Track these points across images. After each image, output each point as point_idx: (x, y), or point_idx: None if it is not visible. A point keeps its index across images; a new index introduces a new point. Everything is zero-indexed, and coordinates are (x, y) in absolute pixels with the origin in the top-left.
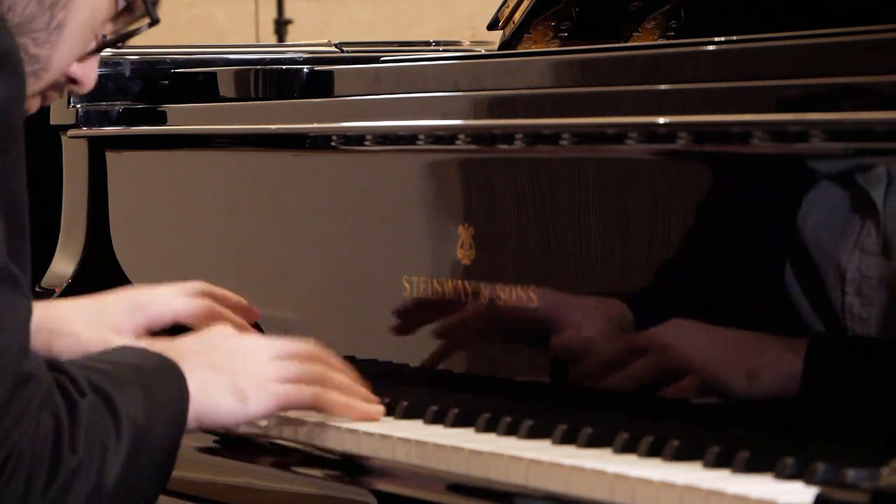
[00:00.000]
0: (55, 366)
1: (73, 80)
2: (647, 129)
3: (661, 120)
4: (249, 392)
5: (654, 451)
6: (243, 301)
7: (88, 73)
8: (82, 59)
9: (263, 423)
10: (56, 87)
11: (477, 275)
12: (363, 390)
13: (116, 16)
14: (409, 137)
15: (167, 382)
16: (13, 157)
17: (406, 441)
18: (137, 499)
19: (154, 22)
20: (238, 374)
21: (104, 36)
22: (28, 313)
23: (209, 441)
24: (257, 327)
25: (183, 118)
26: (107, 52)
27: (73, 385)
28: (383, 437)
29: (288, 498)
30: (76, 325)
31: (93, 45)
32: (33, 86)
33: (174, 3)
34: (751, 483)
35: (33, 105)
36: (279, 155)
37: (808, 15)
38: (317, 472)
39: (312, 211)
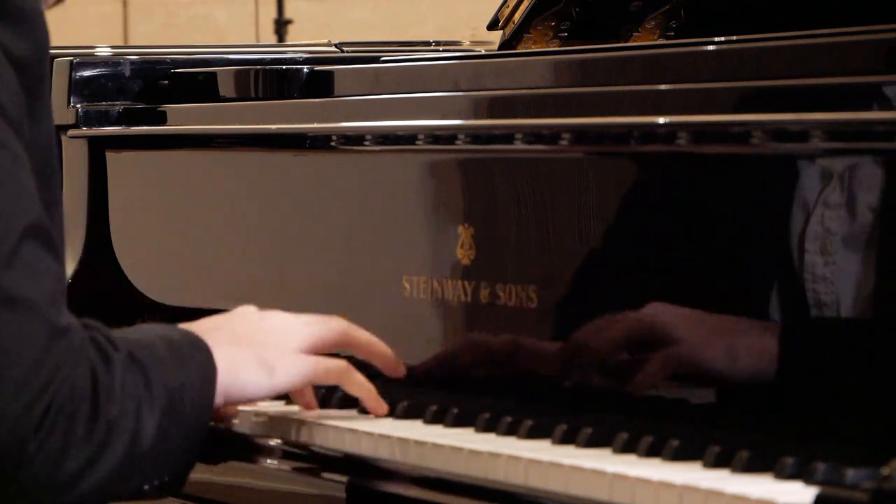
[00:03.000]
0: (88, 323)
1: None
2: (647, 129)
3: (661, 120)
4: (275, 363)
5: (653, 451)
6: (384, 349)
7: None
8: None
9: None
10: None
11: (477, 275)
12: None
13: None
14: (408, 137)
15: (195, 354)
16: (39, 111)
17: (405, 441)
18: (170, 467)
19: None
20: (263, 346)
21: None
22: (60, 269)
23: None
24: None
25: (183, 118)
26: (107, 51)
27: (107, 340)
28: (383, 436)
29: (287, 498)
30: None
31: None
32: None
33: (174, 3)
34: (750, 483)
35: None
36: (279, 155)
37: (808, 15)
38: (317, 472)
39: (312, 211)
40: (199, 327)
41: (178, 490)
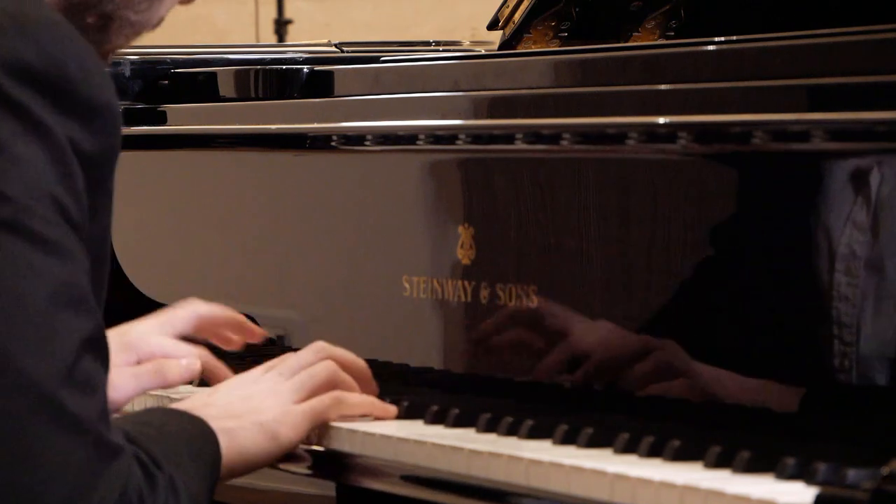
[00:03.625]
0: (130, 436)
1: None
2: (647, 129)
3: (661, 120)
4: (277, 426)
5: (654, 452)
6: (239, 318)
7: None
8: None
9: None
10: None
11: (477, 275)
12: (369, 392)
13: None
14: (409, 137)
15: (208, 446)
16: (103, 207)
17: (406, 441)
18: None
19: None
20: (260, 412)
21: None
22: (106, 381)
23: None
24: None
25: (183, 118)
26: None
27: (150, 459)
28: (383, 437)
29: (288, 498)
30: None
31: None
32: (125, 42)
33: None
34: (751, 483)
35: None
36: (279, 155)
37: (808, 15)
38: (317, 473)
39: (312, 211)
40: (192, 405)
41: None
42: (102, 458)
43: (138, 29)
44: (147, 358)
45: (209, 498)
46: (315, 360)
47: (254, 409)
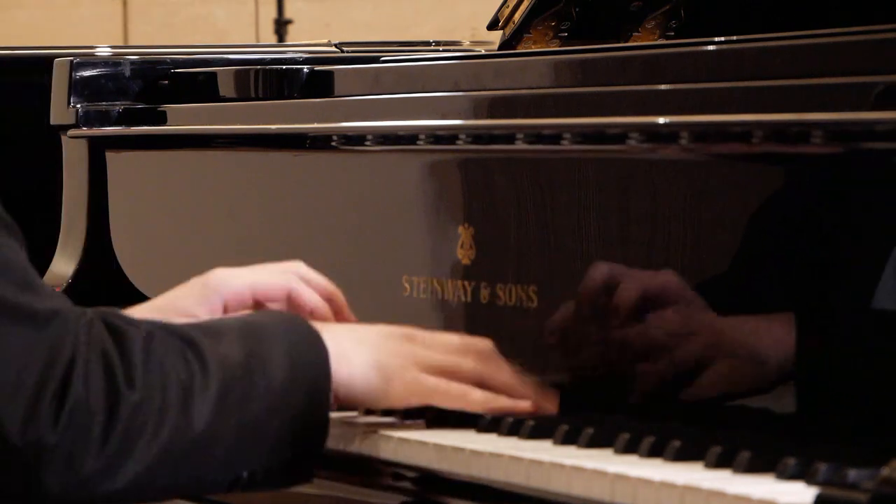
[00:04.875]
0: (102, 310)
1: None
2: (647, 129)
3: (661, 120)
4: (393, 372)
5: (655, 452)
6: (337, 293)
7: None
8: None
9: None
10: None
11: (477, 275)
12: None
13: None
14: (409, 137)
15: (289, 332)
16: None
17: (406, 441)
18: (272, 454)
19: None
20: (383, 351)
21: None
22: (23, 254)
23: None
24: None
25: (183, 118)
26: (107, 51)
27: (123, 320)
28: (383, 437)
29: (287, 498)
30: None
31: None
32: None
33: (174, 3)
34: (752, 483)
35: None
36: (279, 155)
37: (808, 15)
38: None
39: (312, 211)
40: (318, 323)
41: (298, 479)
42: (35, 325)
43: None
44: (235, 296)
45: (304, 387)
46: (466, 352)
47: (380, 346)
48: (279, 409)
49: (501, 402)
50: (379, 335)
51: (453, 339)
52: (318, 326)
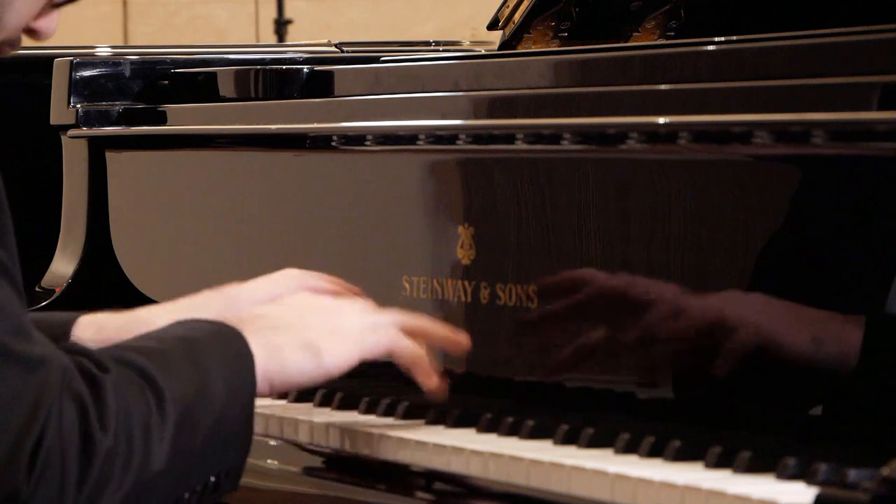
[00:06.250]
0: (73, 348)
1: (32, 31)
2: (647, 129)
3: (661, 120)
4: (323, 345)
5: (655, 452)
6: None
7: (49, 25)
8: (41, 14)
9: None
10: (11, 43)
11: (477, 275)
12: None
13: None
14: (409, 137)
15: (223, 348)
16: None
17: (406, 441)
18: (209, 472)
19: None
20: (310, 328)
21: None
22: (20, 298)
23: None
24: None
25: (183, 118)
26: (107, 51)
27: (93, 363)
28: (383, 437)
29: (287, 498)
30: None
31: None
32: None
33: (174, 3)
34: (752, 483)
35: None
36: (279, 155)
37: (808, 15)
38: (315, 473)
39: (312, 211)
40: (240, 316)
41: (232, 485)
42: (23, 371)
43: None
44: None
45: (238, 397)
46: (385, 340)
47: (306, 324)
48: (218, 431)
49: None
50: (303, 313)
51: (368, 302)
52: (243, 325)
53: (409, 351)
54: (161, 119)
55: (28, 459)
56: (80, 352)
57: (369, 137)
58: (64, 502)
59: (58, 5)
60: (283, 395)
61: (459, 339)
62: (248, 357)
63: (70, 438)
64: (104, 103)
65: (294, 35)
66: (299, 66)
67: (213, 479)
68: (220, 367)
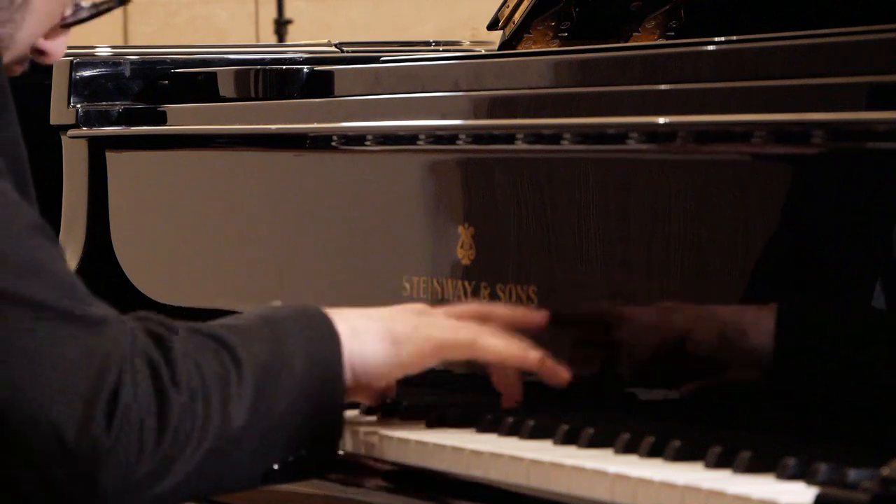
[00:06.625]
0: (140, 315)
1: (40, 52)
2: (647, 129)
3: (661, 120)
4: (403, 336)
5: (655, 452)
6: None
7: (57, 47)
8: (50, 34)
9: None
10: (21, 61)
11: (477, 275)
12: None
13: None
14: (409, 137)
15: (307, 324)
16: (6, 119)
17: (406, 441)
18: (297, 444)
19: (124, 1)
20: (391, 321)
21: (75, 7)
22: (66, 260)
23: None
24: None
25: (183, 118)
26: (107, 51)
27: (161, 325)
28: (383, 437)
29: (287, 498)
30: None
31: (62, 18)
32: None
33: (174, 3)
34: (752, 483)
35: None
36: (279, 155)
37: (807, 15)
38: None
39: (312, 211)
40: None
41: (320, 471)
42: (87, 331)
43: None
44: None
45: (320, 375)
46: (468, 313)
47: (390, 317)
48: (301, 402)
49: (513, 349)
50: (389, 311)
51: (456, 307)
52: (331, 312)
53: (490, 348)
54: (161, 119)
55: (105, 415)
56: (146, 317)
57: (369, 137)
58: (143, 458)
59: (67, 26)
60: None
61: (536, 317)
62: (333, 336)
63: (145, 394)
64: (104, 103)
65: (294, 35)
66: (299, 66)
67: (304, 452)
68: (301, 342)
